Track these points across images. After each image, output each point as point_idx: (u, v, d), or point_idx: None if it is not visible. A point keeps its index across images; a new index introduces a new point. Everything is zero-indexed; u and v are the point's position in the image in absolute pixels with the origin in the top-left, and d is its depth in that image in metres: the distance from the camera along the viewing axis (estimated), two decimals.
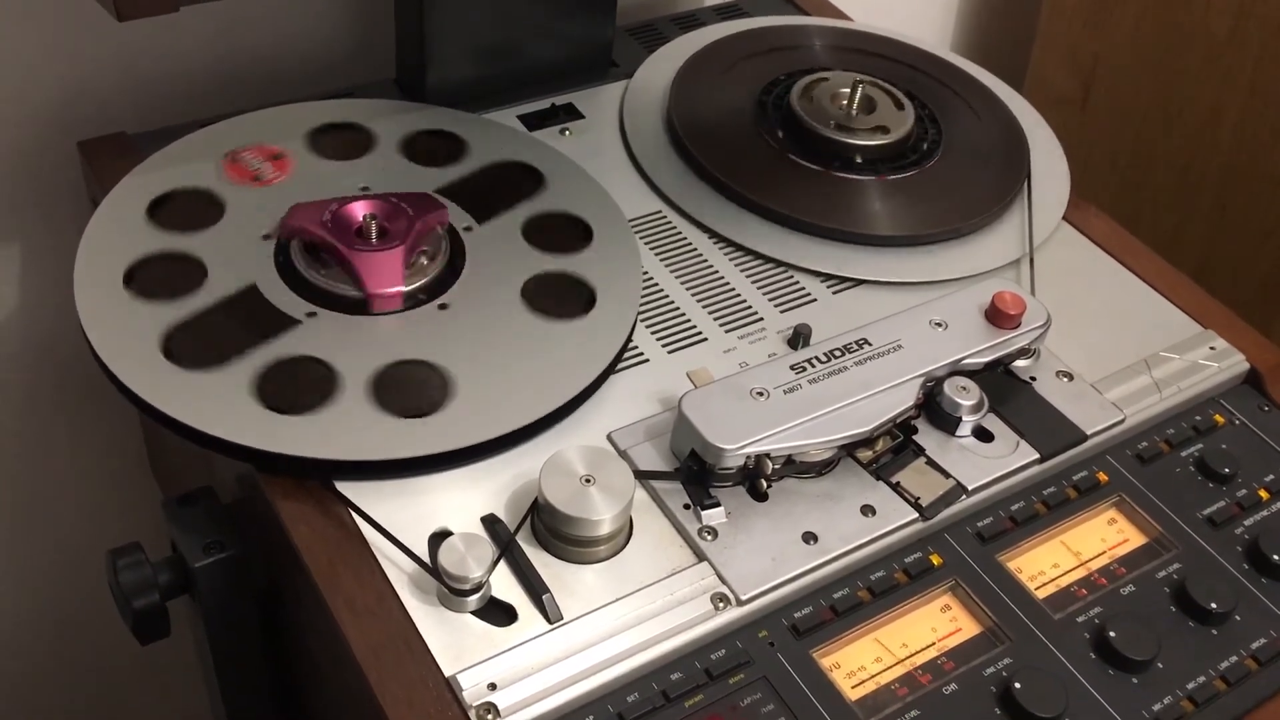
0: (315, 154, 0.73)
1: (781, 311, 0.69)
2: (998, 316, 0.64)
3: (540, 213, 0.71)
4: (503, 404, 0.60)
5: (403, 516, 0.56)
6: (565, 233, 0.70)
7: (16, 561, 0.98)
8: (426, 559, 0.54)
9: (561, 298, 0.66)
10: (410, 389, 0.60)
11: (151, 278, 0.64)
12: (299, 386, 0.59)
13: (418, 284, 0.65)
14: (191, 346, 0.61)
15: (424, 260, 0.66)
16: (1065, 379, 0.66)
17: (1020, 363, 0.66)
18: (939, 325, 0.64)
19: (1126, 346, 0.69)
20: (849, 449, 0.60)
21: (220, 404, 0.58)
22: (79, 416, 0.93)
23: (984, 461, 0.61)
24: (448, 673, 0.51)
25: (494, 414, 0.59)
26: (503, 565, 0.55)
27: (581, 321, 0.65)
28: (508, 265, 0.67)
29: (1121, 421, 0.65)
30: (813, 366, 0.61)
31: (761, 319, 0.68)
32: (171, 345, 0.61)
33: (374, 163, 0.73)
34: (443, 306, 0.64)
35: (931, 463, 0.61)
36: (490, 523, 0.56)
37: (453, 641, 0.52)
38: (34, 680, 1.05)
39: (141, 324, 0.62)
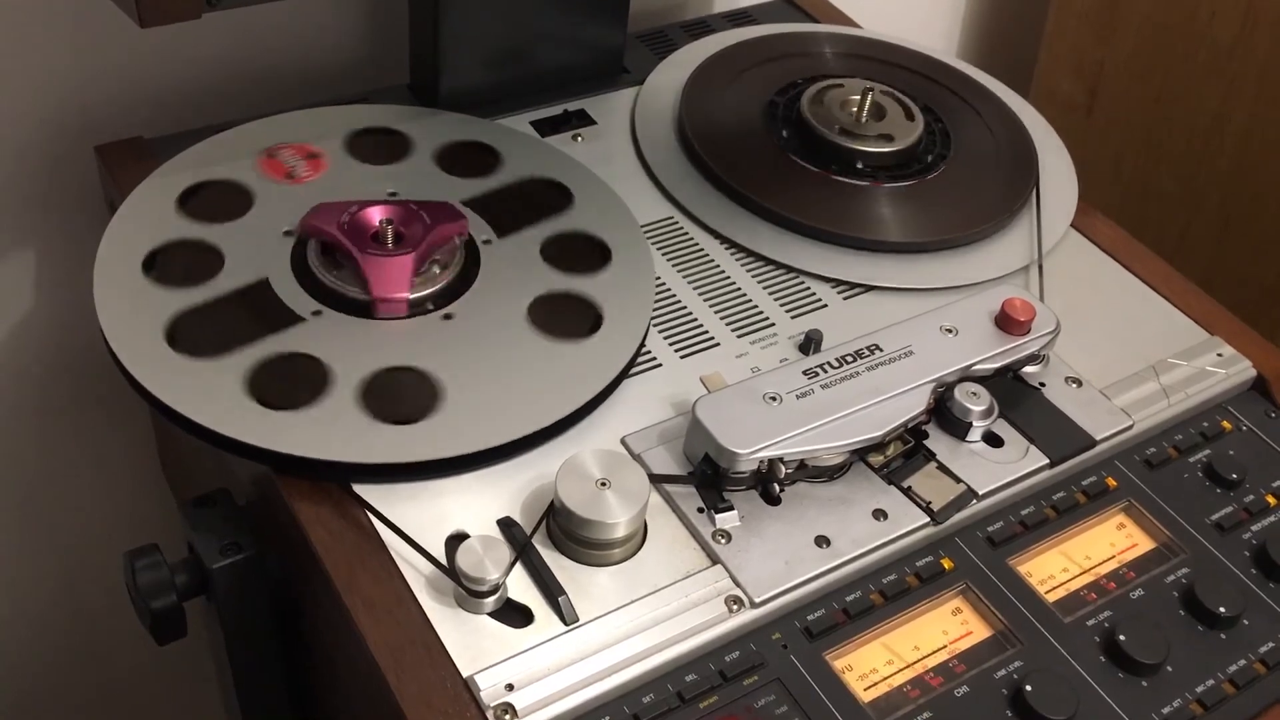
0: (352, 156, 0.74)
1: (793, 317, 0.69)
2: (1008, 323, 0.65)
3: (561, 231, 0.71)
4: (518, 408, 0.60)
5: (420, 519, 0.57)
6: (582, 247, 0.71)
7: (30, 563, 0.98)
8: (444, 561, 0.55)
9: (570, 316, 0.66)
10: (405, 395, 0.60)
11: (171, 277, 0.65)
12: (296, 386, 0.60)
13: (425, 292, 0.65)
14: (201, 337, 0.61)
15: (435, 269, 0.67)
16: (1074, 385, 0.66)
17: (1030, 369, 0.66)
18: (949, 331, 0.64)
19: (1134, 353, 0.70)
20: (861, 453, 0.61)
21: (238, 407, 0.59)
22: (93, 419, 0.94)
23: (994, 467, 0.62)
24: (465, 673, 0.52)
25: (510, 418, 0.60)
26: (519, 567, 0.55)
27: (594, 328, 0.65)
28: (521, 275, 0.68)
29: (1130, 427, 0.65)
30: (825, 372, 0.61)
31: (773, 324, 0.69)
32: (177, 333, 0.62)
33: (408, 169, 0.74)
34: (447, 316, 0.65)
35: (942, 467, 0.62)
36: (506, 525, 0.57)
37: (470, 643, 0.53)
38: (49, 681, 1.05)
39: (160, 326, 0.62)
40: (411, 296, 0.65)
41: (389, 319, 0.64)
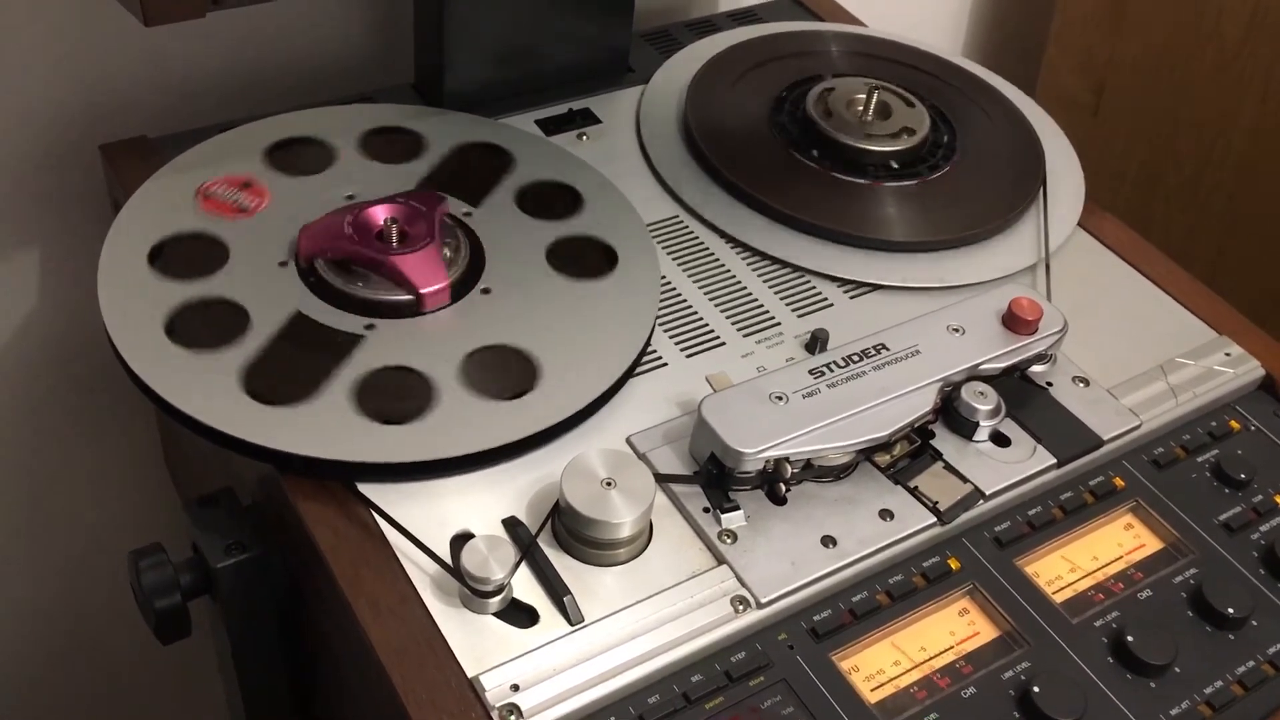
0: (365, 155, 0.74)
1: (799, 316, 0.69)
2: (1015, 322, 0.64)
3: (568, 230, 0.71)
4: (524, 407, 0.60)
5: (425, 518, 0.57)
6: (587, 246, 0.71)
7: (34, 562, 0.98)
8: (449, 561, 0.55)
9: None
10: (402, 394, 0.60)
11: (176, 276, 0.65)
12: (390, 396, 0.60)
13: (456, 276, 0.66)
14: (266, 381, 0.60)
15: (448, 252, 0.66)
16: (1082, 384, 0.66)
17: (1037, 368, 0.66)
18: (956, 331, 0.64)
19: (1142, 352, 0.69)
20: (867, 453, 0.61)
21: (243, 406, 0.58)
22: (98, 418, 0.94)
23: (1001, 466, 0.62)
24: (470, 674, 0.51)
25: (515, 417, 0.60)
26: (524, 567, 0.55)
27: (601, 325, 0.65)
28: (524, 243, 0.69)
29: (1138, 427, 0.65)
30: (831, 371, 0.61)
31: (779, 324, 0.68)
32: (176, 326, 0.61)
33: (338, 168, 0.73)
34: (485, 290, 0.66)
35: (949, 467, 0.61)
36: (511, 525, 0.57)
37: (475, 643, 0.52)
38: (53, 680, 1.05)
39: (165, 323, 0.62)
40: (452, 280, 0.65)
41: (434, 311, 0.64)
